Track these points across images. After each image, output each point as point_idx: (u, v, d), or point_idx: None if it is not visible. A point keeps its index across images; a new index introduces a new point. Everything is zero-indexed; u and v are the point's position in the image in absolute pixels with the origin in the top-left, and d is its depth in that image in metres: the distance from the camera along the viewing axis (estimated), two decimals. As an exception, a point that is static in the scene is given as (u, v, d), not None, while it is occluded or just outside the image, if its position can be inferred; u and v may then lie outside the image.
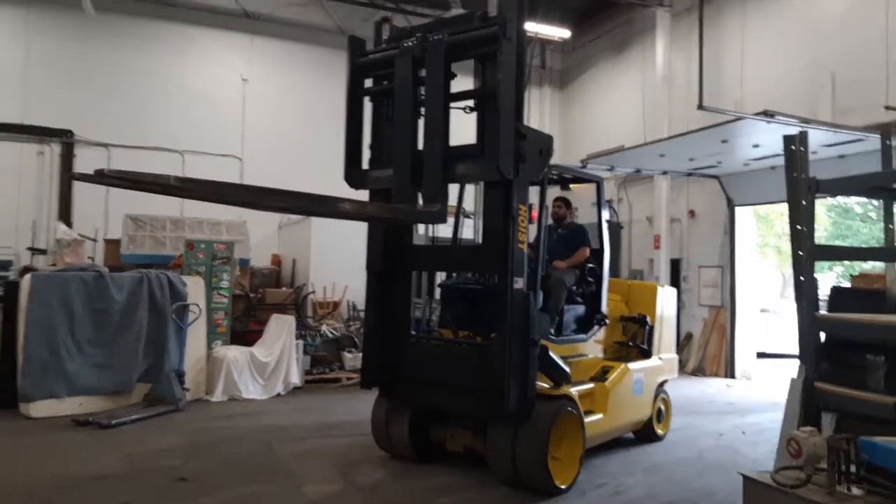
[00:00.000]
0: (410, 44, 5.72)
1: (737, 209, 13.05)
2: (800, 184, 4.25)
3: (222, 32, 15.40)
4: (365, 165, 6.29)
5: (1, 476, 5.73)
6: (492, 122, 5.41)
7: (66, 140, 13.98)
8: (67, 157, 13.97)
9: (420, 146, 5.72)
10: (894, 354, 3.46)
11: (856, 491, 2.88)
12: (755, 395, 10.71)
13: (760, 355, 9.26)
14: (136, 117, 14.38)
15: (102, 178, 3.68)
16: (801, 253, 4.29)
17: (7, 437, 7.03)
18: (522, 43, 5.46)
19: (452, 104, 5.73)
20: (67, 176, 3.69)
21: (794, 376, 4.04)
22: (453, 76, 5.75)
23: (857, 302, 4.35)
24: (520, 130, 5.32)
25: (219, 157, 14.87)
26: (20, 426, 7.50)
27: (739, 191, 12.71)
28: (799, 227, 4.34)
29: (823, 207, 16.68)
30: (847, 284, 6.08)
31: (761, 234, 13.42)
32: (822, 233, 16.64)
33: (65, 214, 13.76)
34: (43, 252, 12.38)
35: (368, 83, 6.36)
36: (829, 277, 15.18)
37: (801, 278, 4.24)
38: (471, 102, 5.85)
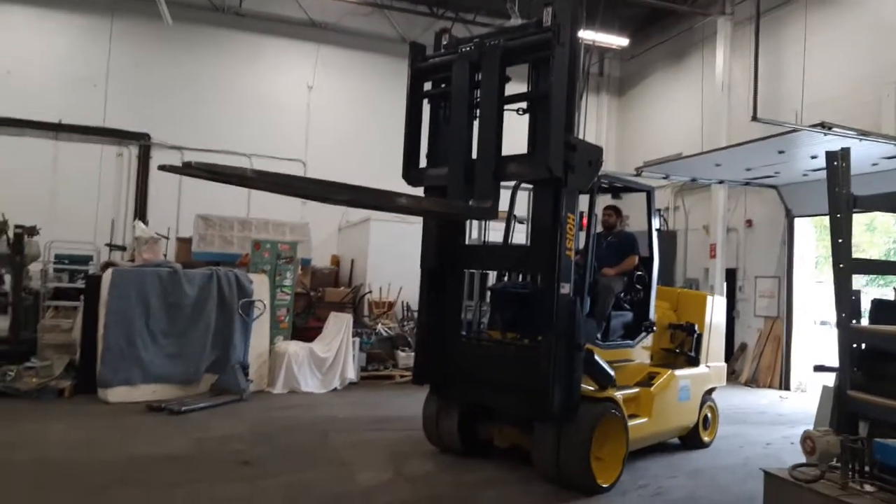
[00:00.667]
0: (468, 49, 6.05)
1: (795, 220, 12.91)
2: (840, 198, 4.37)
3: (290, 41, 16.08)
4: (422, 164, 6.63)
5: (83, 454, 6.25)
6: (543, 124, 5.69)
7: (143, 143, 14.85)
8: (144, 159, 14.84)
9: (474, 146, 6.04)
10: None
11: (868, 488, 3.04)
12: (809, 407, 10.58)
13: (818, 368, 9.18)
14: (208, 121, 15.13)
15: (189, 169, 4.10)
16: (841, 265, 4.42)
17: (87, 419, 7.61)
18: (575, 48, 5.72)
19: (506, 106, 6.02)
20: (157, 167, 4.17)
21: (828, 384, 4.16)
22: (508, 80, 6.03)
23: (898, 314, 4.44)
24: (570, 141, 5.56)
25: (284, 160, 15.48)
26: (99, 409, 8.09)
27: (798, 201, 12.57)
28: (840, 240, 4.46)
29: None
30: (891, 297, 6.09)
31: (821, 245, 13.21)
32: None
33: (141, 213, 14.60)
34: (121, 248, 13.16)
35: (427, 87, 6.71)
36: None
37: (841, 290, 4.37)
38: (524, 105, 6.12)
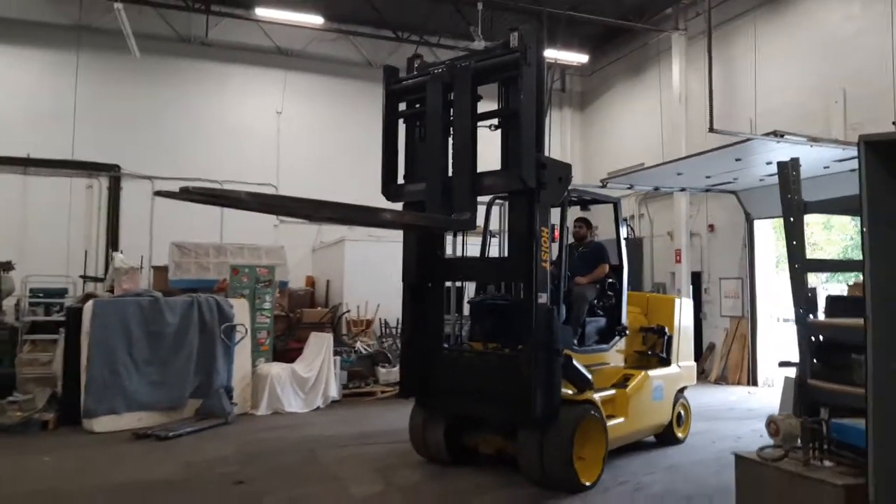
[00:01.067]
0: (440, 70, 6.40)
1: (755, 222, 13.43)
2: (792, 204, 4.74)
3: (258, 69, 16.25)
4: (400, 181, 6.90)
5: (74, 482, 6.34)
6: (514, 139, 6.04)
7: (113, 174, 14.88)
8: (115, 190, 14.88)
9: (450, 162, 6.36)
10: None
11: (827, 463, 3.37)
12: (776, 402, 10.99)
13: (783, 364, 9.61)
14: (178, 151, 15.22)
15: (187, 194, 4.28)
16: (795, 266, 4.78)
17: (75, 450, 7.65)
18: (541, 67, 6.14)
19: (479, 123, 6.38)
20: (154, 193, 4.36)
21: (790, 376, 4.50)
22: (479, 98, 6.40)
23: (850, 308, 4.80)
24: (540, 160, 5.89)
25: (256, 185, 15.58)
26: (85, 440, 8.14)
27: (756, 205, 13.10)
28: (794, 242, 4.83)
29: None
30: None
31: (780, 245, 13.73)
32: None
33: (113, 244, 14.59)
34: (97, 280, 13.16)
35: (402, 107, 7.02)
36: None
37: (797, 288, 4.73)
38: (495, 121, 6.47)
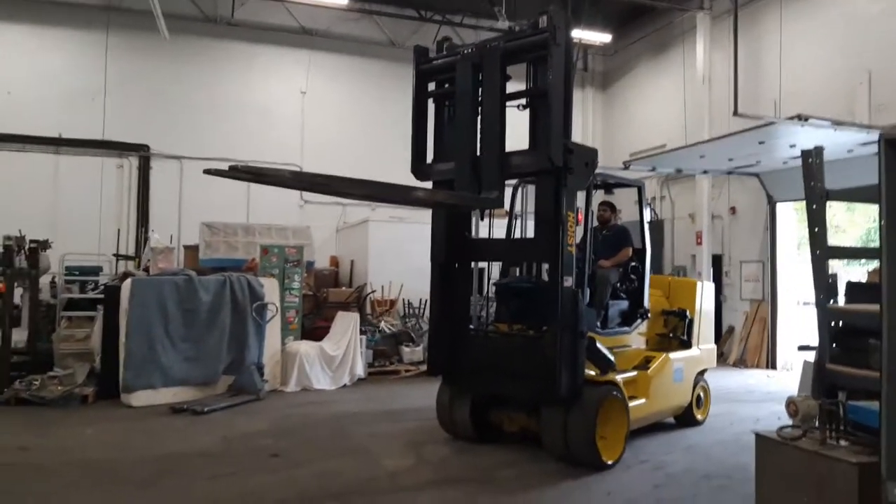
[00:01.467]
0: (470, 51, 6.57)
1: (777, 205, 13.46)
2: (815, 192, 4.87)
3: (283, 49, 16.44)
4: (429, 160, 7.10)
5: (117, 454, 6.67)
6: (543, 119, 6.20)
7: (143, 154, 15.20)
8: (144, 170, 15.20)
9: (478, 141, 6.54)
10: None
11: (843, 443, 3.55)
12: (794, 385, 11.12)
13: (802, 348, 9.71)
14: (205, 131, 15.48)
15: (235, 172, 4.49)
16: (817, 252, 4.92)
17: (115, 423, 8.01)
18: (570, 48, 6.28)
19: (508, 103, 6.53)
20: (203, 171, 4.60)
21: (809, 360, 4.67)
22: (508, 78, 6.57)
23: (868, 294, 4.93)
24: (567, 146, 6.05)
25: (281, 164, 15.82)
26: (124, 413, 8.49)
27: (779, 188, 13.12)
28: (816, 229, 4.96)
29: None
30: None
31: (802, 227, 13.75)
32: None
33: (143, 223, 14.94)
34: (130, 258, 13.51)
35: (431, 87, 7.19)
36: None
37: (818, 274, 4.87)
38: (524, 101, 6.64)
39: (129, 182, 15.15)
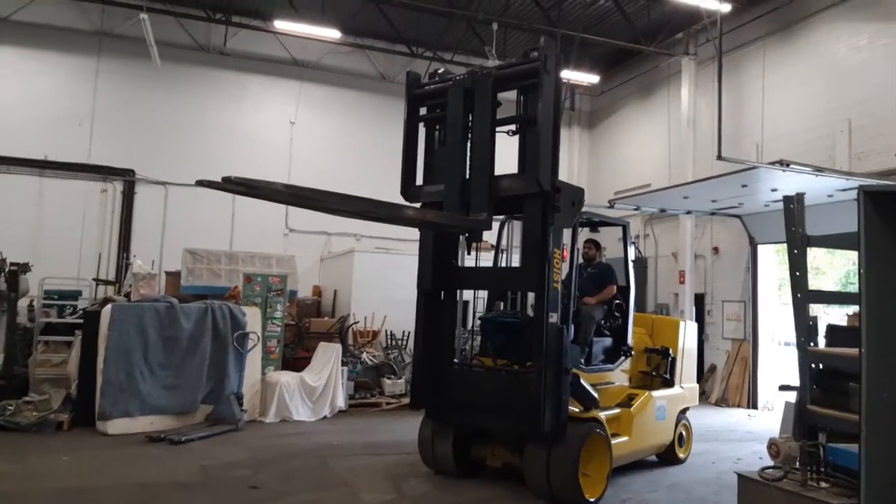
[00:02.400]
0: (462, 77, 6.74)
1: (759, 247, 13.64)
2: (796, 237, 4.97)
3: (273, 79, 16.55)
4: (419, 182, 7.18)
5: (93, 483, 6.54)
6: (532, 143, 6.34)
7: (128, 178, 15.13)
8: (129, 194, 15.12)
9: (468, 165, 6.65)
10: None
11: (823, 484, 3.59)
12: (775, 425, 11.17)
13: (782, 388, 9.81)
14: (192, 157, 15.44)
15: (227, 183, 4.50)
16: (798, 296, 5.00)
17: (91, 450, 7.85)
18: (559, 77, 6.48)
19: (498, 128, 6.68)
20: (195, 182, 4.61)
21: (790, 400, 4.72)
22: (499, 104, 6.72)
23: (848, 338, 5.01)
24: (555, 185, 6.14)
25: (267, 194, 15.84)
26: (100, 441, 8.34)
27: (761, 230, 13.32)
28: (797, 273, 5.05)
29: None
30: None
31: (783, 268, 13.93)
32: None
33: (125, 248, 14.83)
34: (110, 283, 13.38)
35: (422, 111, 7.32)
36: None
37: (799, 317, 4.95)
38: (513, 127, 6.78)
39: (112, 206, 15.05)
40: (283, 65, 16.63)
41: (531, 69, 6.31)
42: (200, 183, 4.61)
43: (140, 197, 15.30)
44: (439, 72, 7.20)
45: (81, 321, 9.71)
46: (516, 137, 6.78)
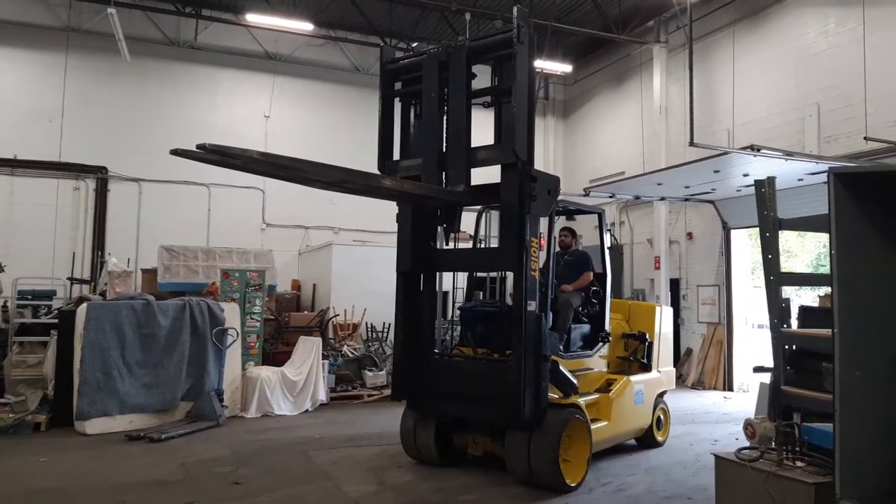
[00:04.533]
0: (436, 50, 6.75)
1: (732, 231, 13.84)
2: (768, 221, 5.05)
3: (246, 73, 16.43)
4: (395, 157, 7.19)
5: (71, 483, 6.48)
6: (508, 114, 6.38)
7: (100, 175, 14.93)
8: (102, 192, 14.94)
9: (444, 137, 6.69)
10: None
11: (798, 464, 3.68)
12: (751, 406, 11.37)
13: (757, 369, 9.99)
14: (165, 153, 15.01)
15: (203, 151, 4.49)
16: (771, 278, 5.09)
17: (69, 451, 7.78)
18: (533, 46, 6.50)
19: (473, 100, 6.71)
20: (169, 152, 4.59)
21: (765, 382, 4.82)
22: (474, 76, 6.76)
23: (820, 319, 5.12)
24: (531, 174, 6.18)
25: (243, 188, 15.76)
26: (78, 441, 8.26)
27: (733, 215, 13.51)
28: (769, 256, 5.14)
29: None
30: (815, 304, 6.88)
31: (756, 252, 14.15)
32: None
33: (99, 246, 14.65)
34: (85, 282, 13.20)
35: (398, 86, 7.30)
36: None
37: (772, 299, 5.04)
38: (488, 99, 6.82)
39: (85, 204, 14.85)
40: (255, 58, 16.50)
41: (505, 39, 6.35)
42: (175, 152, 4.58)
43: (113, 194, 15.11)
44: (413, 46, 7.22)
45: (56, 321, 9.58)
46: (491, 117, 6.83)
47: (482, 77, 6.96)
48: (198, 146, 4.52)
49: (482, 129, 6.81)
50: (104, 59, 14.74)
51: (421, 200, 6.74)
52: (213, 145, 4.52)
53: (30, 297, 11.59)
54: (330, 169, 5.40)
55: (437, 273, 7.35)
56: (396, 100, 7.28)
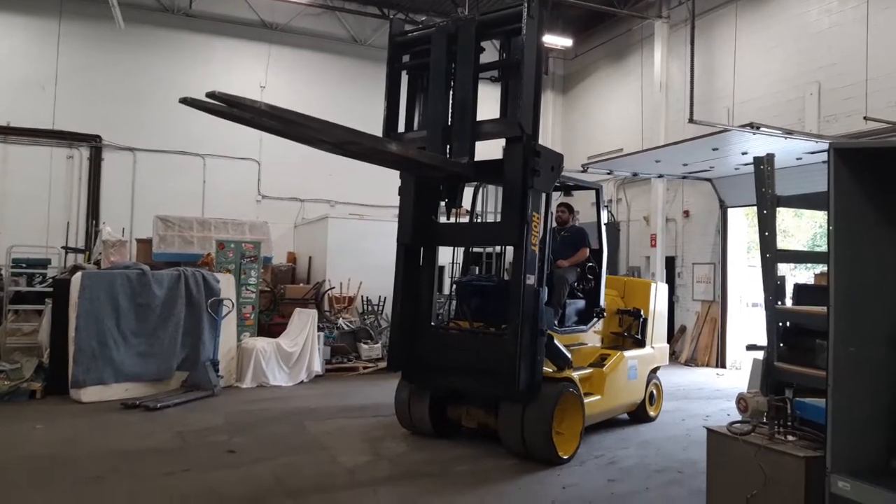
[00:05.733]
0: (445, 23, 6.75)
1: (729, 210, 13.84)
2: (766, 198, 5.03)
3: (242, 42, 16.22)
4: (401, 129, 7.18)
5: (69, 450, 6.51)
6: (514, 88, 6.38)
7: (94, 144, 14.80)
8: (96, 161, 14.81)
9: (450, 111, 6.69)
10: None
11: (790, 438, 3.72)
12: (743, 383, 11.45)
13: (749, 347, 10.04)
14: (160, 123, 15.14)
15: (212, 99, 4.46)
16: (767, 255, 5.09)
17: (65, 418, 7.80)
18: (542, 21, 6.48)
19: (480, 74, 6.72)
20: (179, 100, 4.58)
21: (758, 358, 4.84)
22: (482, 50, 6.75)
23: (815, 296, 5.13)
24: (535, 148, 6.18)
25: (238, 160, 15.68)
26: (74, 409, 8.29)
27: (731, 193, 13.49)
28: (766, 233, 5.13)
29: None
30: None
31: (752, 231, 14.17)
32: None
33: (94, 215, 14.58)
34: (80, 251, 13.15)
35: (405, 59, 7.29)
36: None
37: (767, 276, 5.04)
38: (495, 73, 6.84)
39: (79, 173, 14.74)
40: (251, 27, 16.29)
41: (515, 13, 6.33)
42: (185, 101, 4.55)
43: (107, 163, 14.99)
44: (423, 20, 7.21)
45: (51, 290, 9.56)
46: (495, 94, 6.80)
47: (487, 53, 6.94)
48: (207, 94, 4.47)
49: (486, 107, 6.77)
50: (98, 26, 14.55)
51: (424, 170, 6.69)
52: (222, 93, 4.47)
53: (24, 265, 11.56)
54: (338, 128, 5.32)
55: (436, 247, 7.35)
56: (403, 73, 7.27)
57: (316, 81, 16.80)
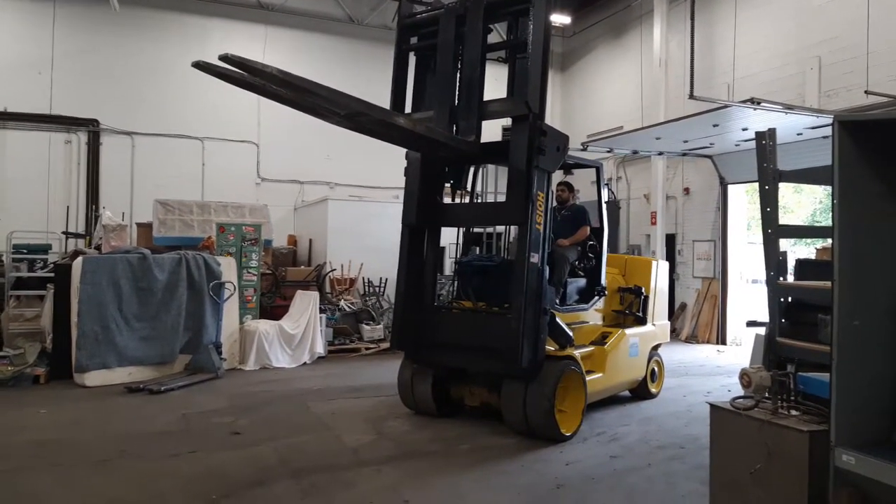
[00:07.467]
0: (453, 4, 6.77)
1: (729, 187, 13.81)
2: (767, 173, 5.01)
3: (238, 23, 16.09)
4: (407, 110, 7.19)
5: (75, 434, 6.55)
6: (521, 68, 6.43)
7: (92, 129, 14.74)
8: (94, 145, 14.76)
9: (457, 92, 6.73)
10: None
11: (793, 412, 3.73)
12: (743, 359, 11.51)
13: (750, 323, 10.07)
14: (158, 106, 15.08)
15: (226, 61, 4.42)
16: (769, 231, 5.08)
17: (69, 402, 7.85)
18: (550, 1, 6.46)
19: (488, 54, 6.75)
20: (191, 64, 4.57)
21: (760, 333, 4.85)
22: (490, 31, 6.79)
23: (817, 271, 5.13)
24: (542, 128, 6.17)
25: (237, 142, 15.62)
26: (78, 393, 8.33)
27: (731, 170, 13.45)
28: (768, 208, 5.12)
29: None
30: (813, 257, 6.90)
31: (753, 208, 14.16)
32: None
33: (93, 200, 14.55)
34: (80, 236, 13.14)
35: (413, 40, 7.31)
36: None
37: (769, 252, 5.04)
38: (503, 54, 6.90)
39: (78, 158, 14.70)
40: (247, 8, 16.16)
41: None
42: (197, 65, 4.54)
43: (106, 148, 14.94)
44: (429, 1, 7.21)
45: (53, 275, 9.56)
46: (501, 76, 6.86)
47: (493, 35, 6.98)
48: (220, 56, 4.43)
49: (491, 88, 6.79)
50: (93, 9, 14.43)
51: (432, 147, 6.64)
52: (234, 56, 4.42)
53: (25, 251, 11.54)
54: (348, 98, 5.25)
55: (439, 228, 7.38)
56: (410, 54, 7.27)
57: (313, 62, 16.59)
